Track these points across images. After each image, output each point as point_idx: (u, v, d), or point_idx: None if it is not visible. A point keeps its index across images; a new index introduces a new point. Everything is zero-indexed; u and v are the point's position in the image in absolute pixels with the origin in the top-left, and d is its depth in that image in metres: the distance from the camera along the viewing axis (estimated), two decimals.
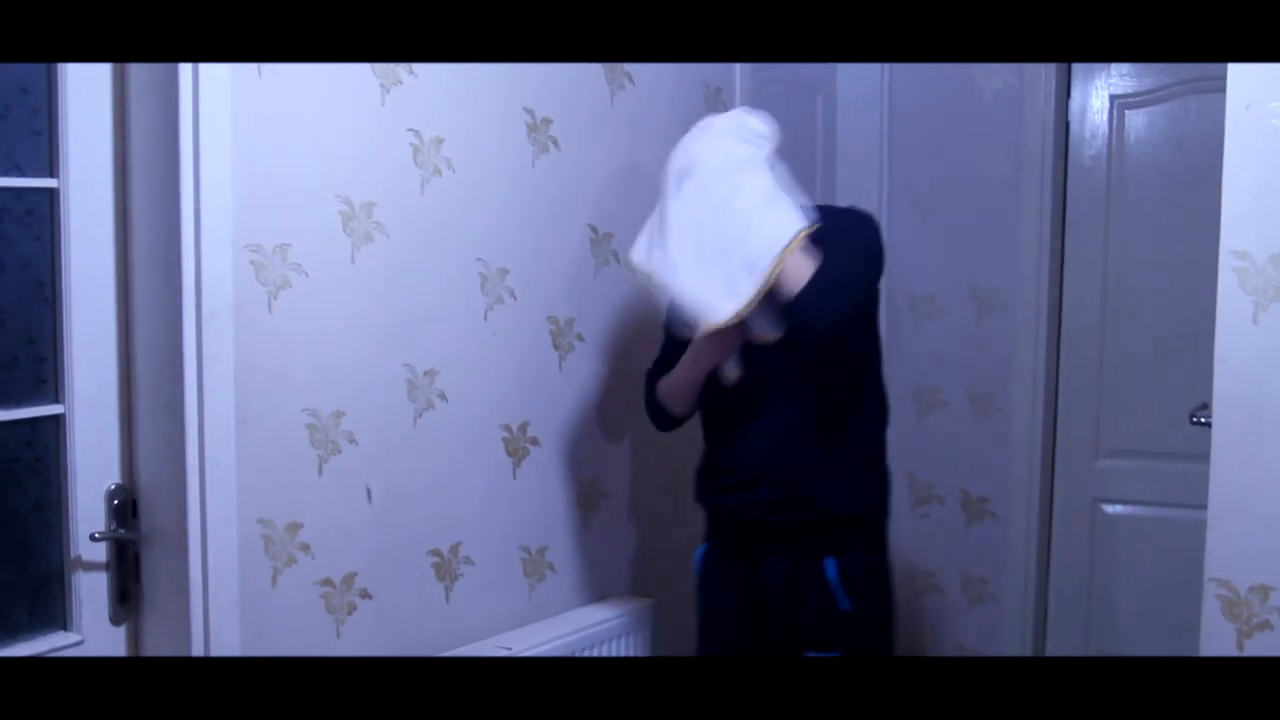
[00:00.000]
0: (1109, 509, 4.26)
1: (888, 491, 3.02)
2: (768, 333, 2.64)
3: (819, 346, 2.74)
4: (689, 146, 2.74)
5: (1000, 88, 4.28)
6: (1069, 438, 4.31)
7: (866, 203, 4.47)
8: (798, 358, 2.80)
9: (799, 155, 4.39)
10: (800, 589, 2.89)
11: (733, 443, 2.94)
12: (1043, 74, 4.17)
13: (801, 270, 2.56)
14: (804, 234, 2.58)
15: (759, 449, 2.89)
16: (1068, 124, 4.21)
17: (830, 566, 2.86)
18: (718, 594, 3.02)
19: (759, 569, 2.94)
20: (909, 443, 4.50)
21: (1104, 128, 4.16)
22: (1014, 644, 4.36)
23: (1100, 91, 4.16)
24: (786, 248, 2.55)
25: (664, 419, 3.05)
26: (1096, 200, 4.18)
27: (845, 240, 2.66)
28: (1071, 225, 4.24)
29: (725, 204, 2.64)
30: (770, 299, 2.59)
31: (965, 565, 4.49)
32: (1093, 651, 4.27)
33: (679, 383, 2.94)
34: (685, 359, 2.86)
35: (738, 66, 3.79)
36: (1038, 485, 4.29)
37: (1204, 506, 2.57)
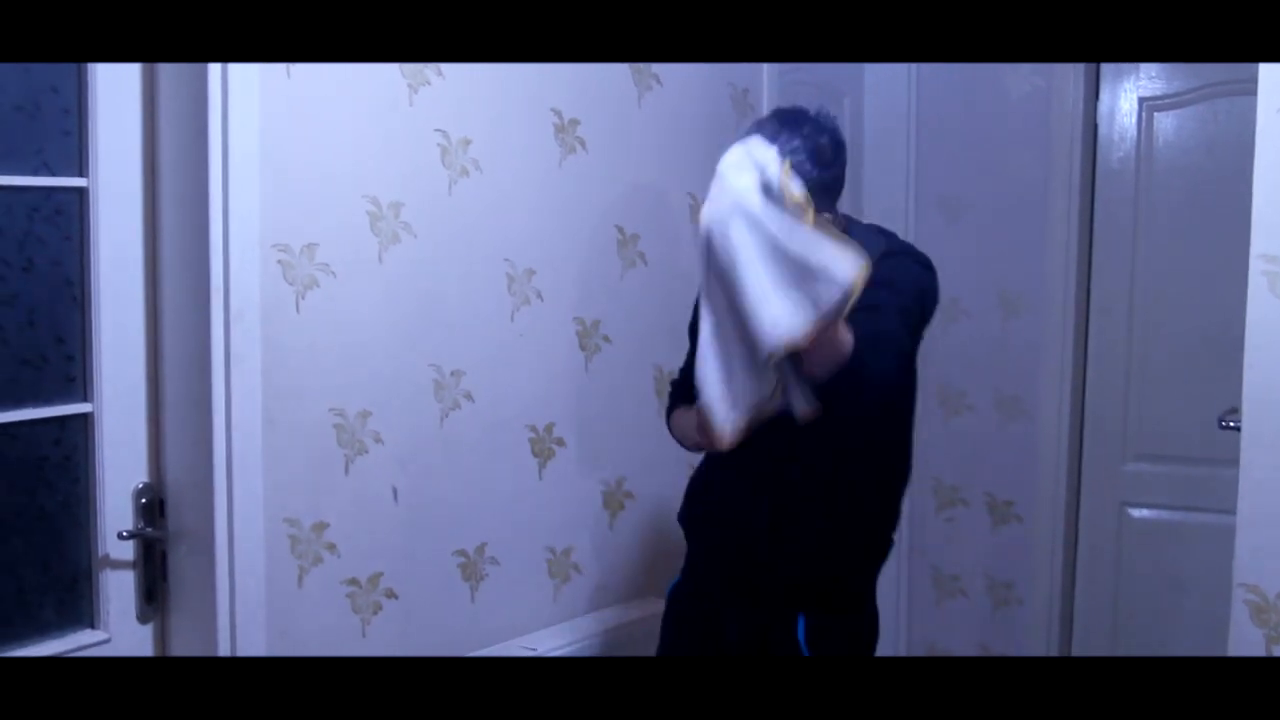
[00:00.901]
0: (1136, 513, 4.24)
1: (880, 560, 2.77)
2: (804, 407, 2.32)
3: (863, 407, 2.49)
4: (712, 208, 2.28)
5: (1028, 90, 4.26)
6: (1096, 441, 4.29)
7: (893, 205, 4.47)
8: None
9: None
10: (767, 650, 2.66)
11: (727, 474, 2.70)
12: (1071, 76, 4.15)
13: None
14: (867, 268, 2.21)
15: (745, 489, 2.64)
16: (1096, 126, 4.19)
17: (800, 626, 2.62)
18: (680, 642, 2.83)
19: (725, 620, 2.72)
20: (935, 446, 4.50)
21: (1132, 130, 4.14)
22: (1039, 648, 4.34)
23: (1129, 94, 4.14)
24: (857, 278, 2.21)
25: (679, 443, 2.86)
26: (1124, 203, 4.16)
27: (902, 285, 2.46)
28: (1099, 228, 4.21)
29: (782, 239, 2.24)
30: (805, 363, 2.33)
31: (990, 569, 4.47)
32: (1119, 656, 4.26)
33: (686, 436, 2.72)
34: (694, 425, 2.47)
35: (765, 68, 3.79)
36: (1064, 489, 4.27)
37: (1233, 511, 2.55)
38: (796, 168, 2.36)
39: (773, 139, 2.40)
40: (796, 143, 2.42)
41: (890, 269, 2.44)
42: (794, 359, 2.28)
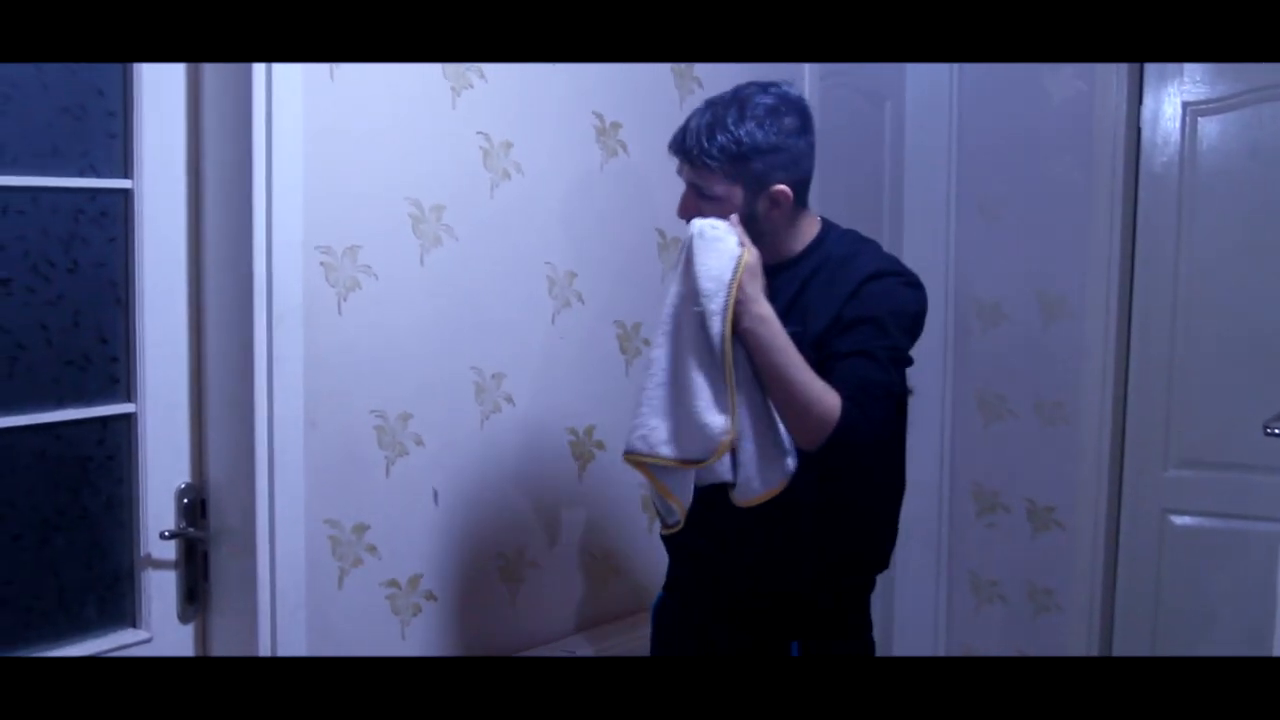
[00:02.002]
0: (1178, 520, 4.20)
1: (875, 568, 2.62)
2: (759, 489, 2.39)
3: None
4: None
5: (1070, 94, 4.24)
6: (1138, 447, 4.26)
7: (934, 209, 4.45)
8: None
9: (866, 161, 4.37)
10: None
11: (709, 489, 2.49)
12: (1114, 80, 4.12)
13: (755, 302, 2.30)
14: (746, 259, 2.31)
15: (727, 507, 2.42)
16: (1139, 131, 4.16)
17: (794, 652, 2.51)
18: None
19: (714, 645, 2.60)
20: (975, 451, 4.48)
21: (1176, 135, 4.11)
22: (1078, 655, 4.31)
23: (1172, 98, 4.12)
24: (734, 277, 2.30)
25: None
26: (1167, 208, 4.13)
27: (891, 322, 2.38)
28: (1142, 233, 4.18)
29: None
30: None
31: (1030, 575, 4.45)
32: None
33: None
34: None
35: (806, 71, 3.77)
36: (1105, 495, 4.24)
37: (1276, 519, 2.53)
38: (756, 121, 2.37)
39: (734, 94, 2.42)
40: (759, 99, 2.40)
41: (877, 299, 2.39)
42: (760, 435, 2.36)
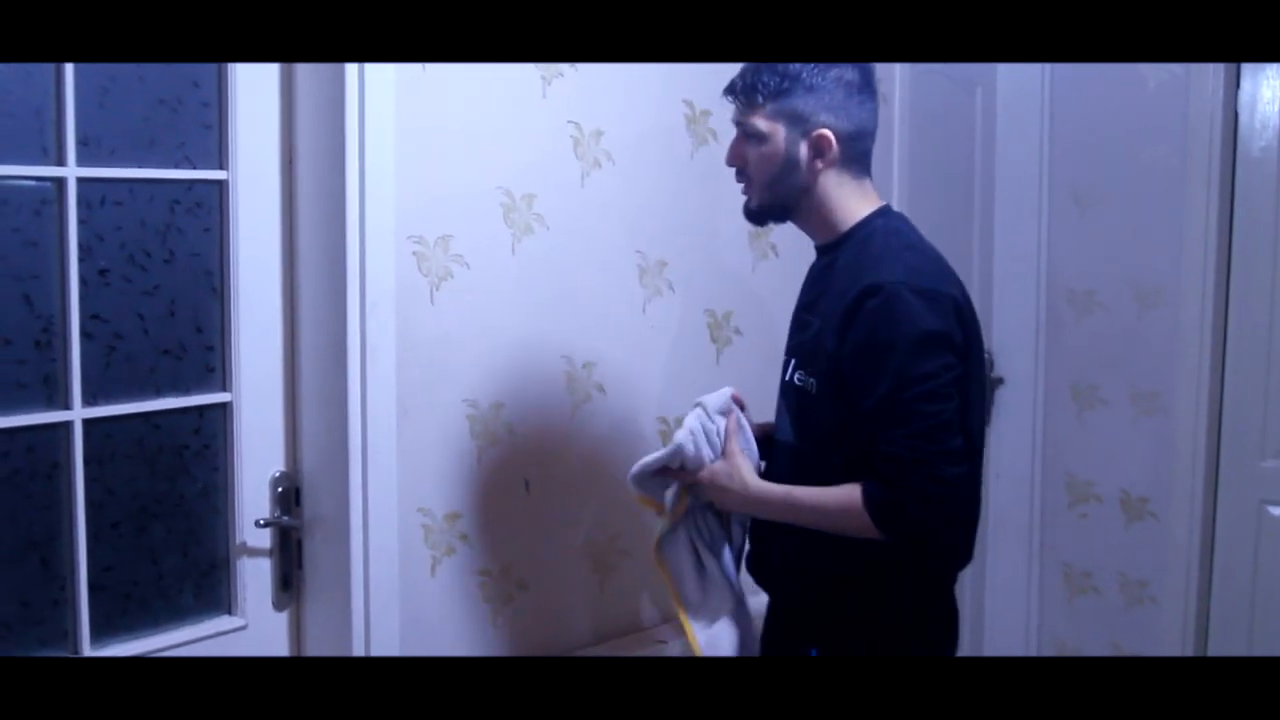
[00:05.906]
0: (1276, 511, 4.13)
1: (907, 593, 2.37)
2: None
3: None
4: None
5: (1165, 79, 4.17)
6: (1234, 437, 4.19)
7: (1026, 197, 4.41)
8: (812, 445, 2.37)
9: (957, 148, 4.33)
10: None
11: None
12: (1210, 65, 4.05)
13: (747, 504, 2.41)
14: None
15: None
16: (1236, 115, 4.09)
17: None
18: None
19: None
20: (1067, 441, 4.44)
21: (1275, 119, 4.03)
22: (1173, 649, 4.25)
23: (1271, 81, 4.04)
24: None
25: None
26: (1266, 193, 4.05)
27: (890, 335, 2.16)
28: (1240, 219, 4.11)
29: None
30: None
31: (1124, 566, 4.39)
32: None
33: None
34: None
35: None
36: (1201, 486, 4.17)
37: None
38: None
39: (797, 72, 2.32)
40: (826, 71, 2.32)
41: (880, 323, 2.18)
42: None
